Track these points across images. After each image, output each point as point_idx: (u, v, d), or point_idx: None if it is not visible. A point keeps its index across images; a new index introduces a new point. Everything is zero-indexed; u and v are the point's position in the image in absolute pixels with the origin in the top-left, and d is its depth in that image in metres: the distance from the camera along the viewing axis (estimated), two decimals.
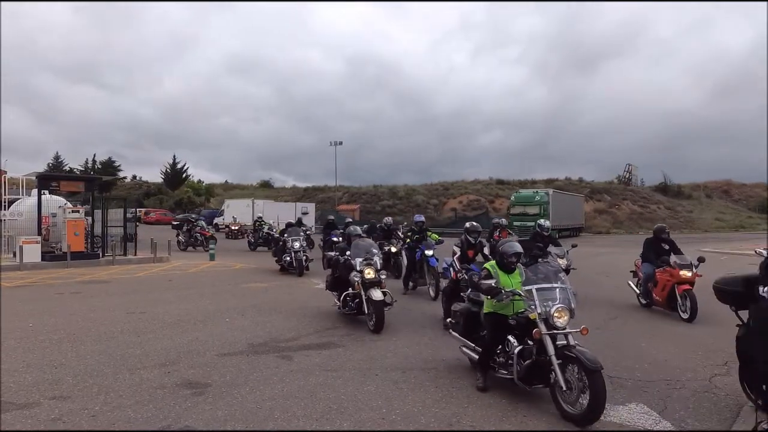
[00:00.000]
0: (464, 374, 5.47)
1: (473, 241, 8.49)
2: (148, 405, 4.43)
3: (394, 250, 13.24)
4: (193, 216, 26.95)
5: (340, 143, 55.32)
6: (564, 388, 4.21)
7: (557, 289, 4.64)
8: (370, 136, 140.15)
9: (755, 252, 11.93)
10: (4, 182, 19.92)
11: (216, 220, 42.71)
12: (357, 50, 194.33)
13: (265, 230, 22.58)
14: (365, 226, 22.43)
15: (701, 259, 9.06)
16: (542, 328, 4.37)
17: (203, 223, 24.43)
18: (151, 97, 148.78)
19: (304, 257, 13.96)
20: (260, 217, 26.09)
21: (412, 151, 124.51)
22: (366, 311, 7.44)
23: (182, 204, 62.01)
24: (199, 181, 72.14)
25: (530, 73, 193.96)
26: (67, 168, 67.40)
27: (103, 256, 16.81)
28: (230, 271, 14.98)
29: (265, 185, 76.41)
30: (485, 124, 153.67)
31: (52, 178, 19.40)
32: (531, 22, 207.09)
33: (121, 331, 7.18)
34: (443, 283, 9.29)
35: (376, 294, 7.29)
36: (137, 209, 35.27)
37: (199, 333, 7.16)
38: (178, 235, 23.58)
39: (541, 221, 11.54)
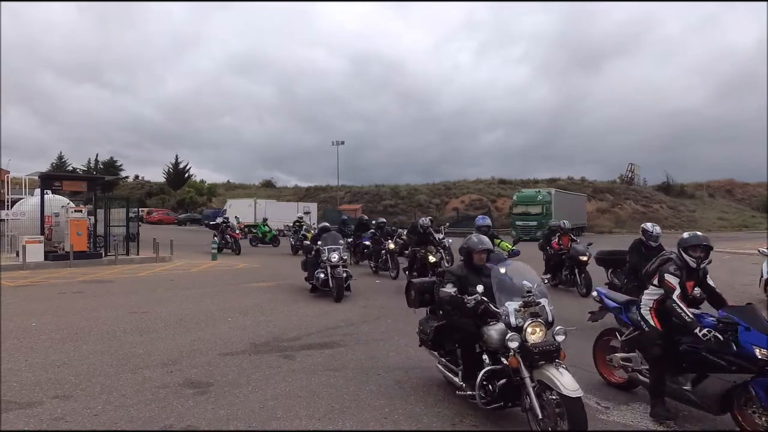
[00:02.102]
0: None
1: (694, 265, 4.49)
2: (150, 404, 4.43)
3: (433, 259, 11.10)
4: (226, 216, 23.67)
5: (342, 143, 55.35)
6: None
7: None
8: (372, 135, 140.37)
9: (758, 251, 11.93)
10: (7, 182, 19.97)
11: (218, 220, 42.75)
12: (361, 49, 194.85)
13: (302, 232, 19.97)
14: (400, 227, 19.96)
15: None
16: None
17: (235, 223, 22.28)
18: (153, 96, 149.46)
19: (345, 274, 10.30)
20: (301, 217, 22.95)
21: (415, 150, 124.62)
22: (537, 409, 3.71)
23: (185, 204, 62.16)
24: (202, 181, 72.32)
25: (534, 72, 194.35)
26: (70, 168, 67.59)
27: (106, 255, 16.84)
28: (232, 271, 14.98)
29: (268, 185, 76.47)
30: (488, 123, 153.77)
31: (54, 178, 19.45)
32: (535, 21, 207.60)
33: (123, 331, 7.18)
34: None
35: (563, 381, 3.59)
36: (140, 209, 35.27)
37: (202, 332, 7.15)
38: (215, 236, 21.61)
39: (648, 225, 7.81)
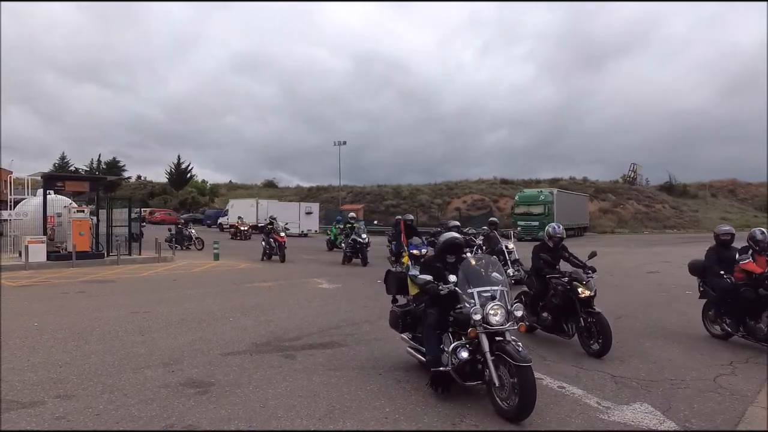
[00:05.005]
0: None
1: None
2: (152, 404, 4.44)
3: (586, 293, 6.34)
4: (273, 217, 20.61)
5: (344, 143, 55.50)
6: None
7: None
8: (375, 135, 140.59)
9: None
10: (10, 182, 20.04)
11: (221, 220, 42.80)
12: (363, 49, 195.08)
13: (353, 236, 17.50)
14: (483, 232, 13.94)
15: None
16: None
17: (281, 225, 19.65)
18: (155, 96, 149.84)
19: (523, 352, 4.26)
20: (353, 218, 19.63)
21: (417, 150, 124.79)
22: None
23: (187, 204, 62.28)
24: (204, 181, 72.44)
25: (537, 71, 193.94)
26: (72, 168, 67.78)
27: (108, 255, 16.87)
28: (234, 271, 15.00)
29: (270, 185, 76.60)
30: (491, 123, 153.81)
31: (57, 178, 19.51)
32: (540, 20, 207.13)
33: (125, 331, 7.20)
34: None
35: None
36: (141, 209, 35.28)
37: (203, 332, 7.17)
38: (263, 240, 19.69)
39: None
